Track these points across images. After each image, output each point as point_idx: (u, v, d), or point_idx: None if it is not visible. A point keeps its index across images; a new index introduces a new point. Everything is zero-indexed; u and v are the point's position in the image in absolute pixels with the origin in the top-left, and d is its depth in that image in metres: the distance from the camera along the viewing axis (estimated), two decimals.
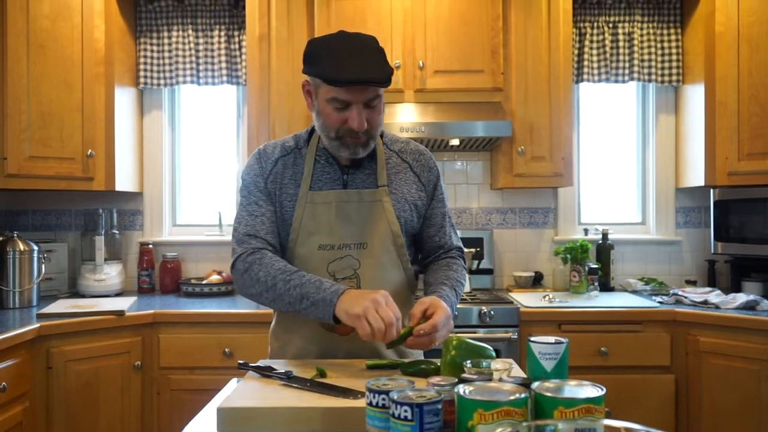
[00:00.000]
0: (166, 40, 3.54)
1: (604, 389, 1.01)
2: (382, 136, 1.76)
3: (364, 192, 1.68)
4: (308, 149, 1.72)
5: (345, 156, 1.64)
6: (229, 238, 3.60)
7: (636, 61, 3.51)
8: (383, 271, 1.68)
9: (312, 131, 1.75)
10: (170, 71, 3.54)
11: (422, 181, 1.76)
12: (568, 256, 3.35)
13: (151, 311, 2.86)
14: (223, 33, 3.52)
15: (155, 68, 3.55)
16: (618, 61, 3.52)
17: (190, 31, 3.52)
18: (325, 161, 1.70)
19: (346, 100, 1.54)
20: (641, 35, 3.53)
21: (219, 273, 3.44)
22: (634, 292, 3.39)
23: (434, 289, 1.65)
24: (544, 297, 3.09)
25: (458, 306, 2.65)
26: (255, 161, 1.73)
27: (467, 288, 1.81)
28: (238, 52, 3.52)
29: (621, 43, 3.52)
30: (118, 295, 3.34)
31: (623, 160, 3.75)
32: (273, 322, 1.82)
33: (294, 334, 1.72)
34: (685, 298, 3.02)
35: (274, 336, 1.81)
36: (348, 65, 1.49)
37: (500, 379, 1.14)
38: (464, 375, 1.18)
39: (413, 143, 1.81)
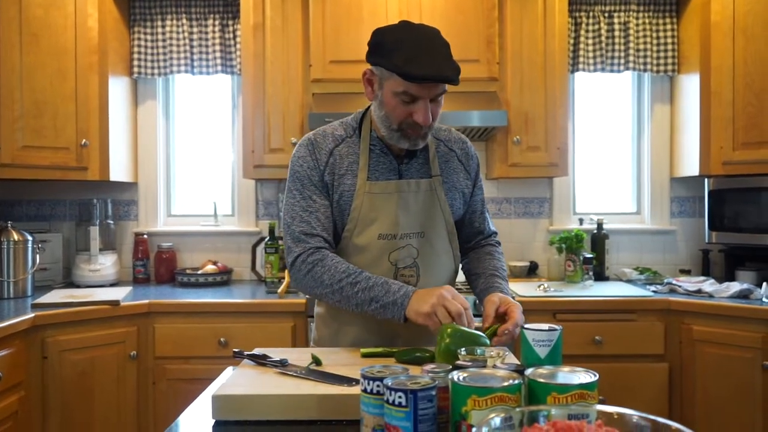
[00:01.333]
0: (159, 29, 3.52)
1: (597, 375, 1.02)
2: None
3: (421, 182, 1.70)
4: (362, 139, 1.70)
5: (405, 147, 1.65)
6: (224, 228, 3.60)
7: (631, 51, 3.51)
8: (438, 258, 1.73)
9: (361, 119, 1.73)
10: (164, 60, 3.52)
11: (467, 169, 1.81)
12: (563, 245, 3.36)
13: (146, 301, 2.86)
14: (217, 22, 3.50)
15: (149, 57, 3.53)
16: (613, 50, 3.52)
17: (184, 20, 3.50)
18: (380, 151, 1.70)
19: (416, 95, 1.55)
20: (637, 25, 3.53)
21: (214, 263, 3.44)
22: (629, 281, 3.40)
23: (490, 283, 1.71)
24: (539, 286, 3.10)
25: None
26: (308, 153, 1.69)
27: (461, 278, 1.84)
28: (232, 42, 3.51)
29: (616, 33, 3.51)
30: (113, 285, 3.33)
31: (618, 149, 3.76)
32: (320, 308, 1.81)
33: (349, 323, 1.71)
34: (679, 287, 3.03)
35: (323, 323, 1.79)
36: (423, 61, 1.49)
37: (494, 366, 1.14)
38: (458, 362, 1.18)
39: (454, 131, 1.84)
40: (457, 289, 1.59)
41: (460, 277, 1.87)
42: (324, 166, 1.68)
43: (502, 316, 1.55)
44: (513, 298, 1.65)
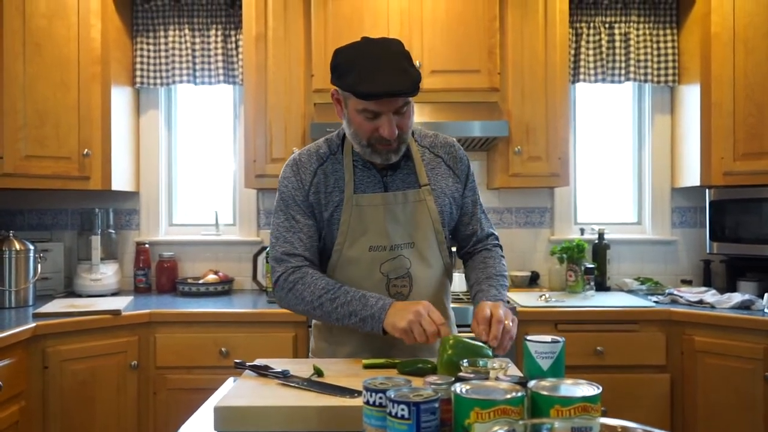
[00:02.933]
0: (162, 40, 3.54)
1: (601, 388, 1.01)
2: (413, 133, 1.77)
3: (409, 193, 1.70)
4: (345, 154, 1.72)
5: (378, 162, 1.66)
6: (225, 237, 3.60)
7: (632, 62, 3.52)
8: (430, 267, 1.73)
9: (345, 135, 1.74)
10: (167, 71, 3.53)
11: (456, 173, 1.79)
12: (564, 255, 3.36)
13: (148, 311, 2.86)
14: (219, 32, 3.51)
15: (152, 68, 3.54)
16: (614, 61, 3.53)
17: (186, 31, 3.52)
18: (363, 165, 1.71)
19: (376, 111, 1.55)
20: (637, 35, 3.54)
21: (215, 272, 3.44)
22: (630, 291, 3.40)
23: (481, 297, 1.69)
24: (541, 296, 3.09)
25: (456, 306, 2.65)
26: (292, 174, 1.72)
27: (463, 288, 1.83)
28: (234, 52, 3.52)
29: (617, 44, 3.52)
30: (114, 294, 3.33)
31: (619, 160, 3.76)
32: (318, 320, 1.82)
33: (345, 334, 1.72)
34: (681, 297, 3.03)
35: (320, 334, 1.81)
36: (376, 78, 1.50)
37: (497, 378, 1.14)
38: (461, 374, 1.18)
39: (441, 136, 1.83)
40: (456, 297, 1.59)
41: (459, 286, 1.87)
42: (309, 185, 1.70)
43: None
44: (507, 301, 1.66)
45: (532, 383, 1.04)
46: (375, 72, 1.51)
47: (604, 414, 0.91)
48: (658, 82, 3.55)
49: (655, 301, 3.05)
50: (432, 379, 1.12)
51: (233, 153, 3.70)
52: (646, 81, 3.55)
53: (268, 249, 1.76)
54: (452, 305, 1.92)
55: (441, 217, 1.73)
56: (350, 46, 1.60)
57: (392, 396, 0.99)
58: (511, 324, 1.52)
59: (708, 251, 3.32)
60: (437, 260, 1.75)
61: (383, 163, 1.66)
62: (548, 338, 1.26)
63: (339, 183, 1.70)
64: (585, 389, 1.01)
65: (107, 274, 3.33)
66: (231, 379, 1.61)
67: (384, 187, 1.70)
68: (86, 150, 3.08)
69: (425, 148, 1.78)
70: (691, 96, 3.37)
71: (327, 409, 1.23)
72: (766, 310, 2.75)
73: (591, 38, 3.54)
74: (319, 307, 1.62)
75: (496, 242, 1.88)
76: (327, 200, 1.70)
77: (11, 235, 3.05)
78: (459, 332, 1.63)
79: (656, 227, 3.66)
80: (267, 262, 3.17)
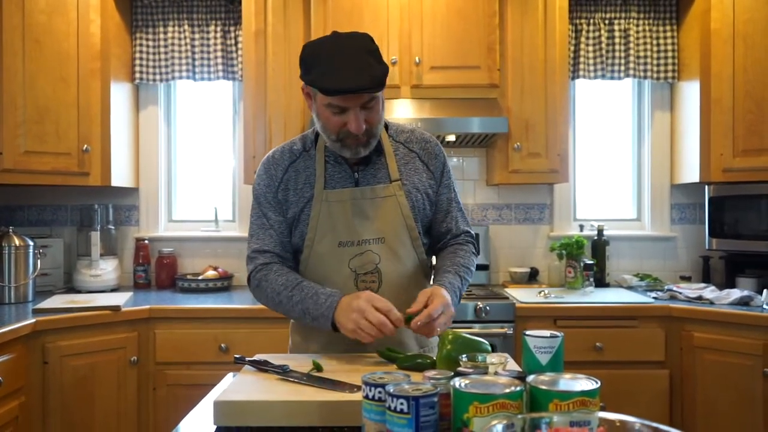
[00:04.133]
0: (161, 36, 3.53)
1: (599, 382, 1.02)
2: (387, 128, 1.77)
3: (378, 188, 1.69)
4: (317, 149, 1.72)
5: (348, 156, 1.65)
6: (225, 233, 3.61)
7: (632, 58, 3.52)
8: (401, 263, 1.71)
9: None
10: (166, 66, 3.53)
11: (431, 169, 1.77)
12: (564, 251, 3.36)
13: (147, 306, 2.86)
14: (219, 28, 3.51)
15: (151, 63, 3.54)
16: (614, 57, 3.53)
17: (186, 27, 3.51)
18: (335, 161, 1.71)
19: (342, 106, 1.55)
20: (637, 32, 3.54)
21: (215, 268, 3.44)
22: (629, 287, 3.40)
23: (439, 278, 1.68)
24: (540, 293, 3.10)
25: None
26: (264, 171, 1.75)
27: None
28: (234, 48, 3.52)
29: (617, 40, 3.52)
30: (113, 290, 3.34)
31: (619, 156, 3.77)
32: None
33: (315, 329, 1.70)
34: (680, 293, 3.03)
35: (295, 330, 1.84)
36: (340, 74, 1.49)
37: (496, 373, 1.14)
38: (460, 369, 1.18)
39: (419, 132, 1.81)
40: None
41: None
42: (278, 182, 1.72)
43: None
44: (458, 292, 1.66)
45: (530, 378, 1.04)
46: (338, 68, 1.50)
47: (603, 409, 0.91)
48: (658, 78, 3.54)
49: (654, 297, 3.05)
50: (431, 373, 1.12)
51: (232, 149, 3.70)
52: (645, 77, 3.55)
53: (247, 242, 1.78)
54: None
55: (413, 212, 1.71)
56: (318, 41, 1.59)
57: (391, 390, 0.99)
58: (438, 324, 1.50)
59: (707, 247, 3.32)
60: (410, 256, 1.72)
61: (354, 158, 1.66)
62: (547, 333, 1.26)
63: (310, 179, 1.71)
64: (584, 383, 1.02)
65: (107, 270, 3.34)
66: (230, 374, 1.61)
67: (355, 182, 1.70)
68: (86, 146, 3.08)
69: (400, 143, 1.77)
70: (690, 92, 3.37)
71: (326, 403, 1.24)
72: (765, 306, 2.76)
73: (591, 34, 3.53)
74: (279, 304, 1.65)
75: (471, 239, 1.85)
76: (297, 196, 1.70)
77: (11, 230, 3.05)
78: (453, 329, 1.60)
79: (655, 223, 3.66)
80: None
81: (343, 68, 1.50)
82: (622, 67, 3.53)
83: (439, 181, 1.79)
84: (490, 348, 1.41)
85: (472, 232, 1.87)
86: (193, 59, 3.52)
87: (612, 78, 3.55)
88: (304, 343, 1.78)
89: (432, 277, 1.80)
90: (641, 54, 3.53)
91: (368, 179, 1.71)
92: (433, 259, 1.83)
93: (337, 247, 1.67)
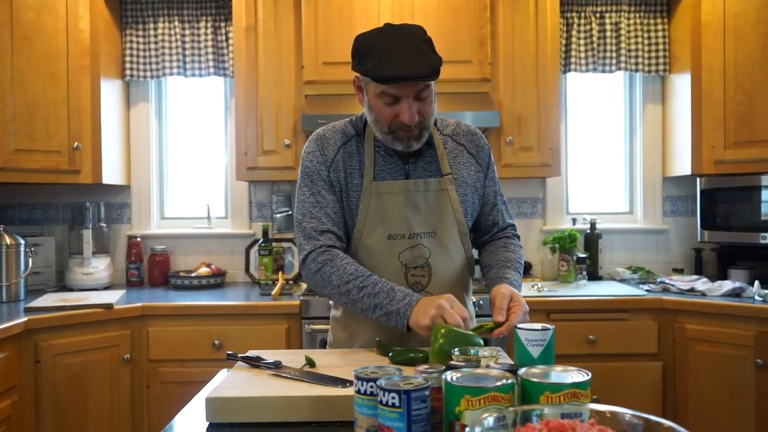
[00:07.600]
0: (152, 32, 3.51)
1: (590, 374, 1.02)
2: (435, 122, 1.75)
3: (430, 181, 1.68)
4: (367, 138, 1.70)
5: (400, 149, 1.64)
6: (217, 230, 3.60)
7: (623, 51, 3.52)
8: (450, 258, 1.70)
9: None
10: (156, 63, 3.51)
11: (479, 162, 1.78)
12: (557, 245, 3.37)
13: (140, 304, 2.86)
14: (209, 24, 3.49)
15: (141, 60, 3.52)
16: (605, 50, 3.53)
17: (176, 23, 3.50)
18: (385, 152, 1.69)
19: (396, 95, 1.54)
20: (628, 25, 3.54)
21: (208, 265, 3.43)
22: (622, 280, 3.41)
23: (501, 274, 1.67)
24: (533, 286, 3.10)
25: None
26: (317, 147, 1.70)
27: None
28: (225, 44, 3.50)
29: (608, 33, 3.52)
30: (106, 288, 3.32)
31: (610, 149, 3.77)
32: (337, 312, 1.80)
33: (364, 324, 1.69)
34: (672, 286, 3.04)
35: (340, 325, 1.78)
36: (393, 62, 1.49)
37: (487, 366, 1.15)
38: (452, 362, 1.18)
39: (463, 124, 1.81)
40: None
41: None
42: (330, 161, 1.68)
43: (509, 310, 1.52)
44: (519, 289, 1.65)
45: (522, 370, 1.04)
46: (394, 56, 1.50)
47: (596, 402, 0.91)
48: (649, 71, 3.55)
49: (646, 290, 3.06)
50: (423, 367, 1.12)
51: (224, 145, 3.69)
52: (637, 70, 3.55)
53: (296, 220, 1.73)
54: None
55: (463, 207, 1.71)
56: (371, 32, 1.59)
57: (383, 384, 0.99)
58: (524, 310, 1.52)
59: (699, 240, 3.33)
60: (459, 252, 1.72)
61: (405, 150, 1.64)
62: (538, 326, 1.26)
63: (360, 166, 1.68)
64: (575, 376, 1.02)
65: (99, 268, 3.32)
66: (224, 370, 1.61)
67: (405, 175, 1.69)
68: (76, 143, 3.06)
69: (447, 136, 1.77)
70: (681, 85, 3.37)
71: (319, 398, 1.24)
72: (756, 298, 2.77)
73: (582, 28, 3.53)
74: (345, 294, 1.58)
75: (516, 232, 1.86)
76: (348, 181, 1.68)
77: (2, 229, 3.03)
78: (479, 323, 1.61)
79: (647, 216, 3.67)
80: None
81: (401, 56, 1.50)
82: (614, 61, 3.54)
83: (486, 174, 1.79)
84: (482, 342, 1.42)
85: (516, 225, 1.88)
86: (184, 55, 3.51)
87: (603, 71, 3.55)
88: (349, 340, 1.74)
89: (483, 269, 1.79)
90: (632, 47, 3.54)
91: (419, 172, 1.70)
92: (474, 253, 1.81)
93: (387, 239, 1.65)
